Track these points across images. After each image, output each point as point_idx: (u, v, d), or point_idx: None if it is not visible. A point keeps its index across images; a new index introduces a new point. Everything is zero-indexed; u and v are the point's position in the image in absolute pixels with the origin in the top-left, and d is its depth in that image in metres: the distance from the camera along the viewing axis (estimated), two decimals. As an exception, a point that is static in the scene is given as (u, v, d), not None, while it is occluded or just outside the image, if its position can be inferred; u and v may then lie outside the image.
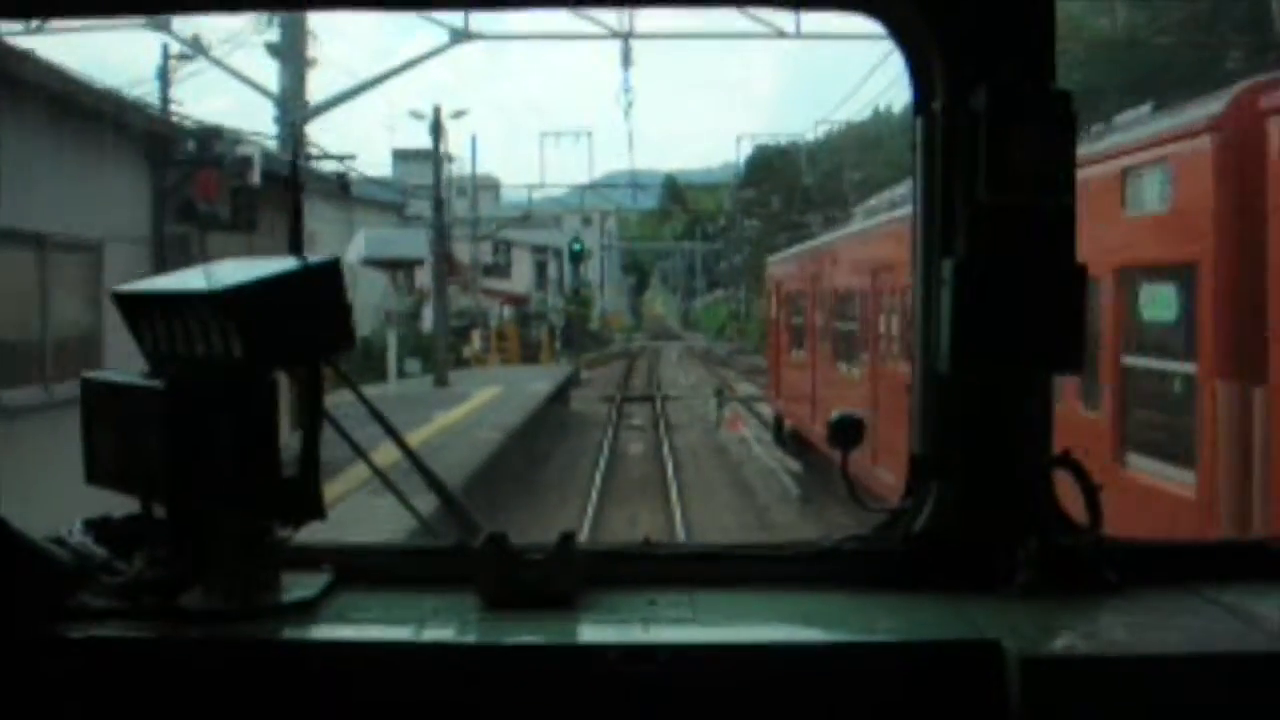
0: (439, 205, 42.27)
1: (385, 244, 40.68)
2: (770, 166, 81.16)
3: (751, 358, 73.93)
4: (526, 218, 62.24)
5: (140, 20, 24.61)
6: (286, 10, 30.52)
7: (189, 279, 2.80)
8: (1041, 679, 2.33)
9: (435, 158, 43.44)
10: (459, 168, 55.77)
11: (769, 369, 34.05)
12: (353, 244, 38.01)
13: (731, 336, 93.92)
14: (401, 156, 65.25)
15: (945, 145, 2.74)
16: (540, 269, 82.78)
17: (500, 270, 73.56)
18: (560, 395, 40.40)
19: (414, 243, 42.95)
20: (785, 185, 74.86)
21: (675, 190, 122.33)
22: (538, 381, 40.25)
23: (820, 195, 60.64)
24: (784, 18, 26.82)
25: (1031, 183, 2.65)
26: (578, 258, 62.34)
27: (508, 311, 61.75)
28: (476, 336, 56.09)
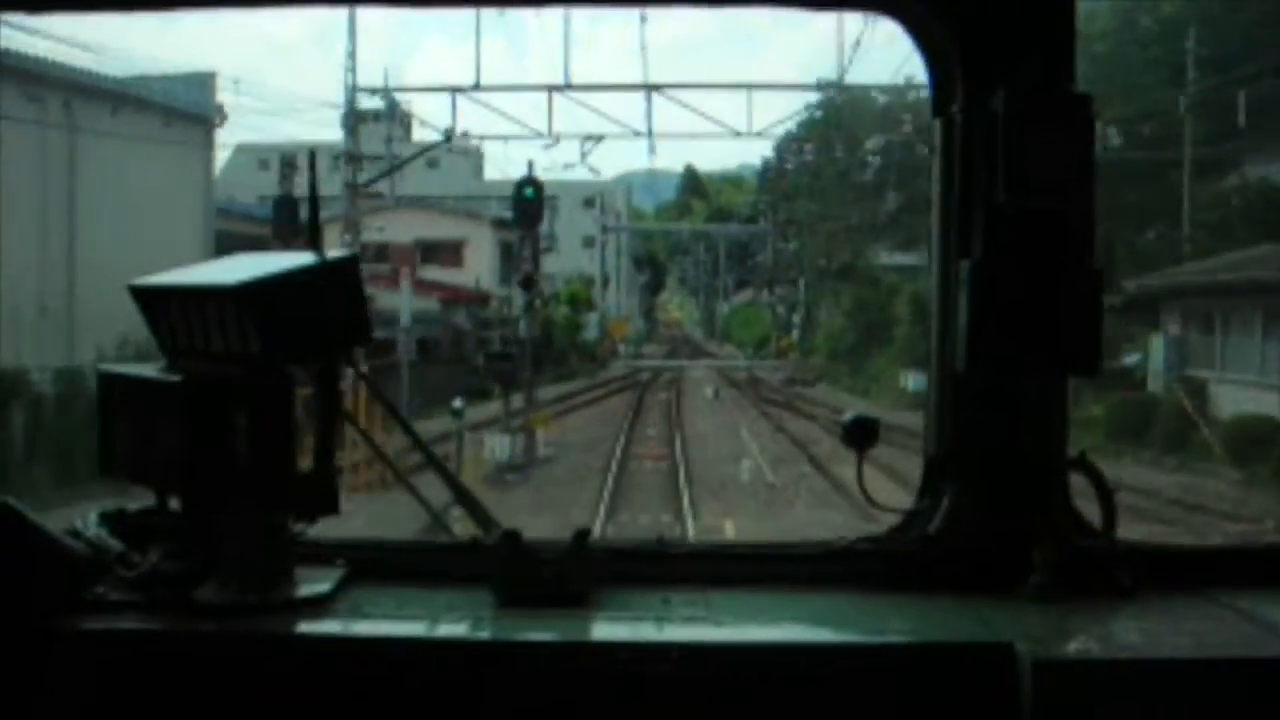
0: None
1: None
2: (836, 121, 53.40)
3: (825, 392, 42.99)
4: (448, 139, 34.63)
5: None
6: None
7: (207, 273, 2.81)
8: (1054, 682, 2.33)
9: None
10: (429, 133, 35.79)
11: None
12: None
13: (780, 353, 64.84)
14: (358, 118, 56.43)
15: (964, 147, 2.73)
16: (507, 252, 49.28)
17: (448, 253, 48.03)
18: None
19: None
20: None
21: (695, 181, 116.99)
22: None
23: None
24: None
25: (1050, 186, 2.64)
26: (528, 209, 29.93)
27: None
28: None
